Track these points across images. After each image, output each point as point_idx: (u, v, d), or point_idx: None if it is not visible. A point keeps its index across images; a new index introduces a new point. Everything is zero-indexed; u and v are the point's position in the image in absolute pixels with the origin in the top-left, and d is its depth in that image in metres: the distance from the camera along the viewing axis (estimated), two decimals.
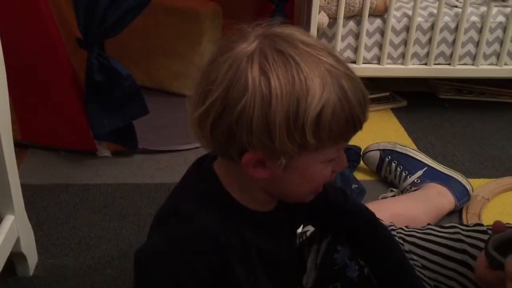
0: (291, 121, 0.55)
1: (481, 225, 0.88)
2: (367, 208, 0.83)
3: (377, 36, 1.62)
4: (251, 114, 0.55)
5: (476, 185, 1.30)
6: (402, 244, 0.89)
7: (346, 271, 0.80)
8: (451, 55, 1.65)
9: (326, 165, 0.62)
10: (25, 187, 1.01)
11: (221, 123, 0.57)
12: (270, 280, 0.71)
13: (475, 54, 1.65)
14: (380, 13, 1.61)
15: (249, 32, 0.59)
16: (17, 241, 0.97)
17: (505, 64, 1.67)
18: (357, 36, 1.62)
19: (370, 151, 1.37)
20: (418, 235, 0.90)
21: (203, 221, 0.62)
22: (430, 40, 1.62)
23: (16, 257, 1.00)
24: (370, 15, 1.59)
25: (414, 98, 1.82)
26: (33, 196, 1.24)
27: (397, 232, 0.92)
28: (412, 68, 1.66)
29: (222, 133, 0.58)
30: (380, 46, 1.63)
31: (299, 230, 1.14)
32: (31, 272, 1.03)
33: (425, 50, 1.64)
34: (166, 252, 0.62)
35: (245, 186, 0.65)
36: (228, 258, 0.64)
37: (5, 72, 0.89)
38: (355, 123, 0.59)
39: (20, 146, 1.37)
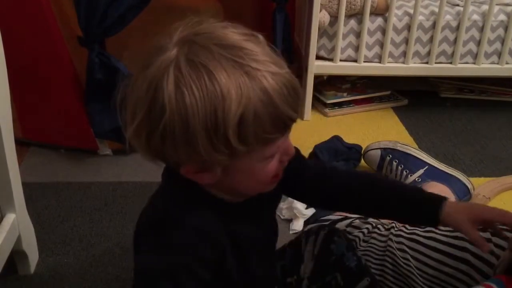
0: (212, 133, 0.55)
1: None
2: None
3: (378, 35, 1.62)
4: (173, 133, 0.55)
5: (477, 184, 1.30)
6: (403, 243, 0.90)
7: (343, 260, 0.81)
8: (453, 53, 1.64)
9: (269, 160, 0.61)
10: (26, 185, 1.01)
11: (151, 143, 0.58)
12: (259, 261, 0.72)
13: (477, 53, 1.65)
14: (381, 11, 1.60)
15: (167, 41, 0.58)
16: (18, 239, 0.97)
17: (507, 63, 1.66)
18: (358, 34, 1.62)
19: (371, 150, 1.37)
20: (419, 233, 0.90)
21: (195, 221, 0.63)
22: (431, 39, 1.62)
23: (17, 255, 1.00)
24: (371, 13, 1.59)
25: (415, 96, 1.81)
26: (34, 194, 1.24)
27: (397, 231, 0.93)
28: (413, 67, 1.66)
29: (155, 150, 0.59)
30: (381, 45, 1.63)
31: (300, 228, 1.15)
32: (32, 270, 1.03)
33: (427, 49, 1.64)
34: (167, 259, 0.62)
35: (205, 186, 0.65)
36: (222, 253, 0.65)
37: (6, 70, 0.89)
38: (284, 121, 0.58)
39: (21, 144, 1.37)
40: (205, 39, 0.57)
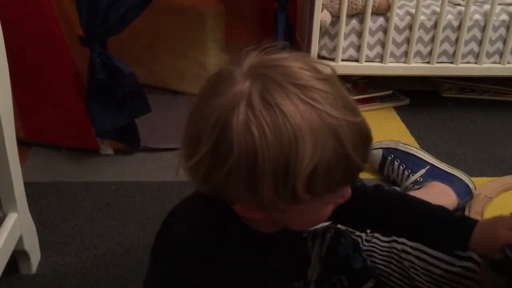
0: (279, 181, 0.51)
1: None
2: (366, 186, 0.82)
3: (379, 35, 1.62)
4: (238, 174, 0.52)
5: (479, 184, 1.30)
6: (405, 243, 0.89)
7: (350, 263, 0.81)
8: (454, 53, 1.64)
9: (327, 205, 0.59)
10: (27, 185, 1.01)
11: (211, 178, 0.55)
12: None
13: (478, 53, 1.65)
14: (383, 11, 1.60)
15: (238, 72, 0.54)
16: (20, 239, 0.97)
17: (508, 63, 1.66)
18: (359, 34, 1.62)
19: (372, 149, 1.37)
20: None
21: (221, 258, 0.60)
22: (433, 39, 1.62)
23: (19, 255, 1.00)
24: (372, 13, 1.59)
25: (416, 96, 1.81)
26: (35, 194, 1.24)
27: None
28: (414, 67, 1.66)
29: (212, 186, 0.56)
30: (383, 45, 1.63)
31: None
32: (34, 269, 1.03)
33: (428, 49, 1.64)
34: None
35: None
36: (245, 285, 0.62)
37: (8, 71, 0.89)
38: (353, 172, 0.55)
39: (23, 144, 1.37)
40: (280, 75, 0.52)
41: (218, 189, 0.56)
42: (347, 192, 0.61)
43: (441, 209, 0.79)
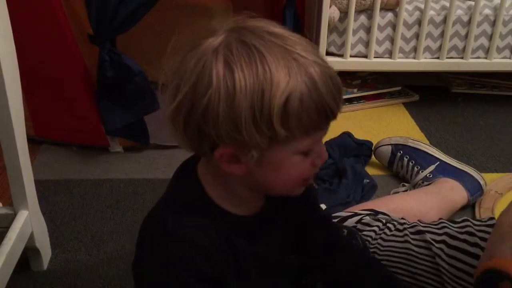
0: (256, 112, 0.55)
1: (493, 218, 0.88)
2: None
3: (388, 30, 1.61)
4: (217, 108, 0.55)
5: (489, 180, 1.29)
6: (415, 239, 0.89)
7: None
8: (464, 48, 1.63)
9: (303, 157, 0.60)
10: (38, 183, 1.02)
11: (191, 119, 0.57)
12: (265, 280, 0.71)
13: (488, 48, 1.63)
14: (392, 6, 1.59)
15: (217, 28, 0.59)
16: (31, 236, 0.98)
17: None
18: (368, 30, 1.61)
19: (381, 146, 1.37)
20: (434, 230, 0.90)
21: (189, 235, 0.62)
22: (442, 34, 1.61)
23: (30, 252, 1.01)
24: (381, 9, 1.58)
25: (426, 92, 1.80)
26: (46, 192, 1.25)
27: (412, 225, 0.92)
28: (424, 62, 1.65)
29: (193, 129, 0.58)
30: (392, 40, 1.62)
31: None
32: (45, 266, 1.04)
33: (438, 44, 1.63)
34: (155, 269, 0.62)
35: (227, 185, 0.64)
36: (219, 269, 0.63)
37: (18, 69, 0.90)
38: (326, 113, 0.58)
39: (33, 142, 1.38)
40: (255, 27, 0.58)
41: (197, 132, 0.58)
42: (323, 151, 0.63)
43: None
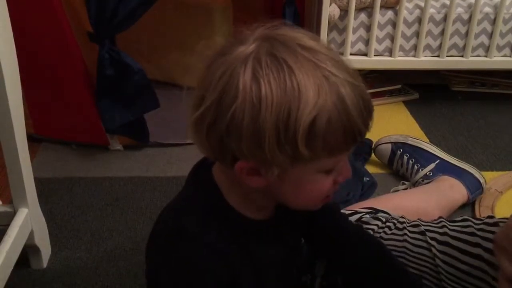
0: (281, 131, 0.52)
1: (492, 217, 0.87)
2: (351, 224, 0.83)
3: (388, 28, 1.61)
4: (241, 122, 0.53)
5: (489, 178, 1.29)
6: (425, 240, 0.89)
7: None
8: (464, 46, 1.63)
9: (325, 175, 0.59)
10: (38, 181, 1.02)
11: (214, 129, 0.55)
12: (279, 283, 0.71)
13: (489, 46, 1.63)
14: (392, 4, 1.59)
15: (248, 35, 0.57)
16: (31, 234, 0.98)
17: None
18: (368, 28, 1.61)
19: (381, 144, 1.37)
20: (434, 229, 0.90)
21: (208, 238, 0.61)
22: (442, 32, 1.61)
23: (30, 250, 1.01)
24: (381, 7, 1.58)
25: (426, 90, 1.80)
26: (46, 190, 1.25)
27: (412, 224, 0.92)
28: (424, 60, 1.65)
29: (216, 139, 0.56)
30: (392, 38, 1.62)
31: None
32: (45, 264, 1.04)
33: (438, 42, 1.63)
34: (175, 273, 0.61)
35: (244, 192, 0.62)
36: (237, 272, 0.63)
37: (17, 67, 0.89)
38: (354, 134, 0.55)
39: (33, 140, 1.38)
40: (287, 38, 0.55)
41: (220, 144, 0.56)
42: (347, 169, 0.61)
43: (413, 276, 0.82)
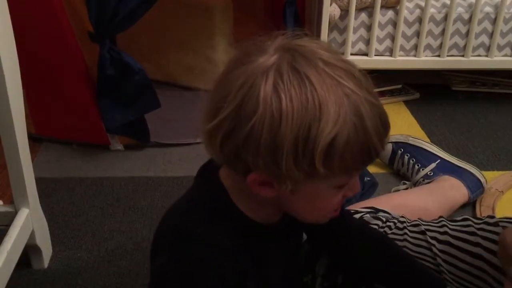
0: (300, 147, 0.52)
1: (492, 217, 0.88)
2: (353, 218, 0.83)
3: (389, 28, 1.61)
4: (259, 137, 0.52)
5: (490, 178, 1.29)
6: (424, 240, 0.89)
7: None
8: (465, 46, 1.63)
9: (337, 191, 0.59)
10: (39, 181, 1.02)
11: (230, 140, 0.55)
12: (282, 281, 0.71)
13: (489, 45, 1.63)
14: (392, 4, 1.59)
15: (268, 44, 0.56)
16: (32, 234, 0.98)
17: None
18: (369, 28, 1.61)
19: None
20: (434, 229, 0.90)
21: (214, 239, 0.60)
22: (443, 32, 1.61)
23: (31, 250, 1.01)
24: (382, 6, 1.58)
25: (427, 90, 1.80)
26: (47, 189, 1.25)
27: (412, 224, 0.92)
28: (425, 60, 1.65)
29: (230, 150, 0.55)
30: (393, 38, 1.62)
31: None
32: (46, 264, 1.04)
33: (438, 42, 1.63)
34: (181, 274, 0.60)
35: (254, 199, 0.61)
36: (243, 273, 0.63)
37: (18, 67, 0.90)
38: (370, 153, 0.55)
39: (34, 140, 1.38)
40: (309, 51, 0.55)
41: (234, 154, 0.55)
42: (357, 185, 0.61)
43: (421, 263, 0.82)
